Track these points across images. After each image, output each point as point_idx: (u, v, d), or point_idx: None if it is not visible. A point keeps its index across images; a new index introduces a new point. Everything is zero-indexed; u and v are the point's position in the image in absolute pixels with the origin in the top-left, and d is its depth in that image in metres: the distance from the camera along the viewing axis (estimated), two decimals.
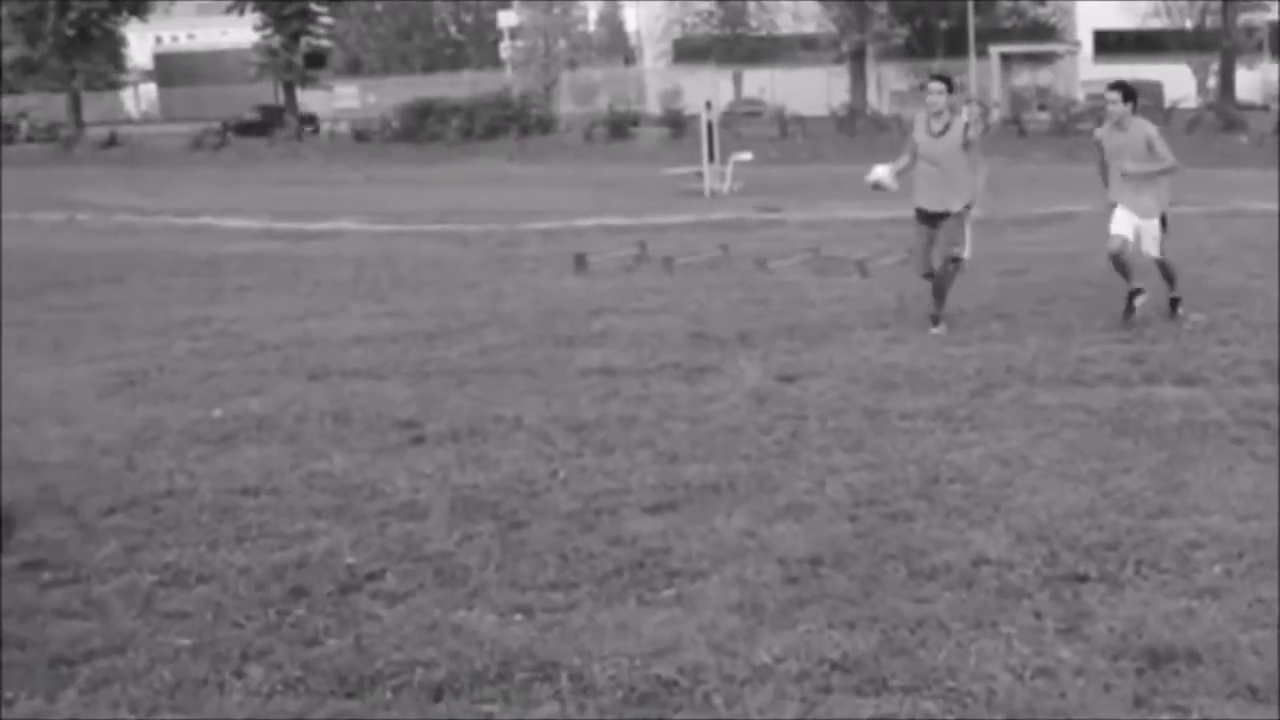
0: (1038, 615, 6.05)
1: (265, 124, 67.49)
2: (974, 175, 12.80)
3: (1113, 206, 12.83)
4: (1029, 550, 6.84)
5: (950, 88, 12.99)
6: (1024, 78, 66.99)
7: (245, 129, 66.87)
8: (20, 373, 12.52)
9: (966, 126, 12.85)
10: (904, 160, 13.06)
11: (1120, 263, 12.71)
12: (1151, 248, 12.77)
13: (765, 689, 5.42)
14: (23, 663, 5.97)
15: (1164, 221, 12.81)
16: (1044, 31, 74.09)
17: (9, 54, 77.82)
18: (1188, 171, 13.74)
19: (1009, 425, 9.34)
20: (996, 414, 9.67)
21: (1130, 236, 12.58)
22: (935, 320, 12.70)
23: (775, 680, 5.48)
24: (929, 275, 12.85)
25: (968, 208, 12.80)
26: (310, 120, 69.31)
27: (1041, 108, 59.54)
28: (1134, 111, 12.80)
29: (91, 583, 6.94)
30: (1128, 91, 12.87)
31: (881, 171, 13.11)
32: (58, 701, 5.61)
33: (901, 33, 70.95)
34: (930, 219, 12.76)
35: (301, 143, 61.51)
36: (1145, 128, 12.82)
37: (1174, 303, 12.97)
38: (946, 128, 12.68)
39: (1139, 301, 12.77)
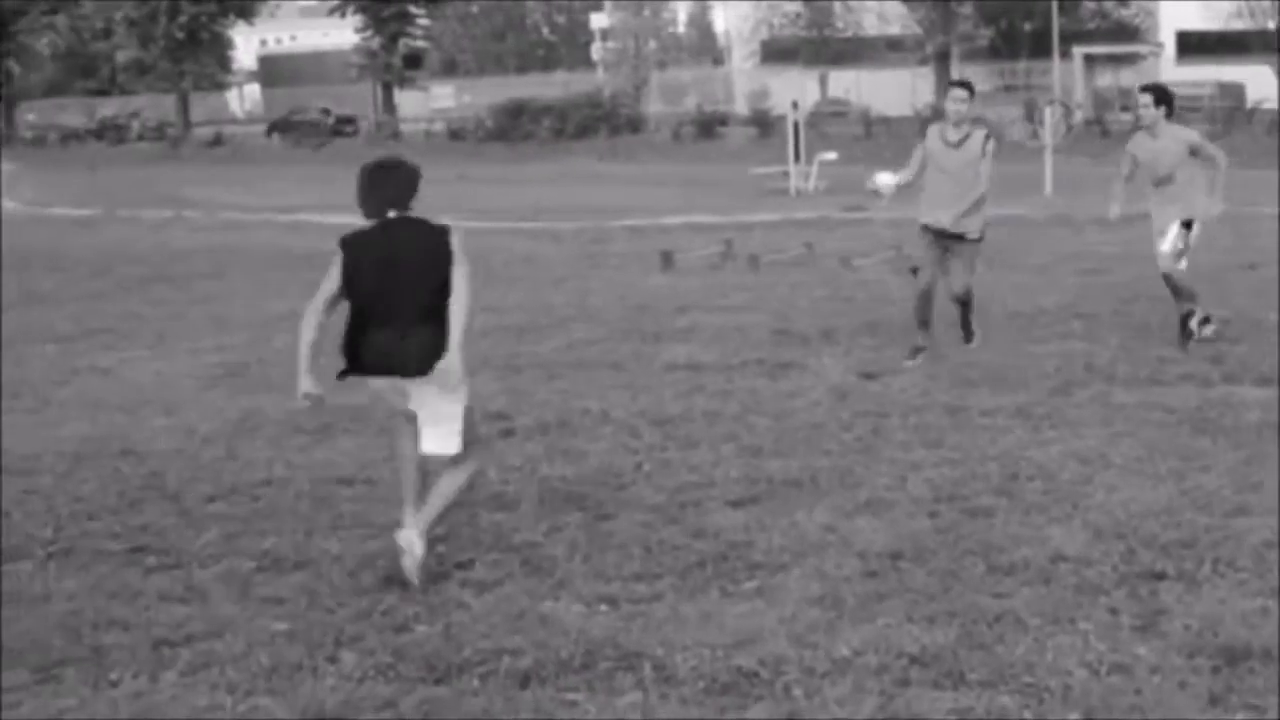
0: (1114, 612, 5.99)
1: (301, 123, 68.32)
2: (980, 193, 11.43)
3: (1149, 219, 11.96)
4: (1106, 548, 6.77)
5: (973, 95, 11.85)
6: (1107, 79, 66.23)
7: (284, 127, 67.84)
8: (127, 364, 12.69)
9: (987, 138, 11.68)
10: (911, 170, 11.81)
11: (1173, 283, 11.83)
12: (1164, 260, 11.84)
13: (844, 681, 5.39)
14: (127, 645, 6.05)
15: (1188, 228, 11.75)
16: (1127, 33, 73.16)
17: (123, 56, 78.88)
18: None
19: (1088, 423, 9.25)
20: (1076, 412, 9.58)
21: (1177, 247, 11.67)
22: (916, 352, 11.41)
23: (854, 673, 5.46)
24: (926, 293, 11.53)
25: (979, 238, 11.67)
26: (350, 121, 69.52)
27: (1124, 109, 58.86)
28: (1169, 117, 11.86)
29: (193, 568, 7.02)
30: (1161, 96, 11.96)
31: (884, 179, 12.02)
32: (159, 682, 5.68)
33: (986, 34, 70.37)
34: (941, 238, 11.54)
35: (324, 144, 61.41)
36: (1182, 133, 12.06)
37: (1184, 320, 11.82)
38: (966, 138, 11.53)
39: (1207, 330, 11.75)
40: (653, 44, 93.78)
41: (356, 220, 6.88)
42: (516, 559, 6.92)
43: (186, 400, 11.02)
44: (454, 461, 6.84)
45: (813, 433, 9.17)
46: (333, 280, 6.81)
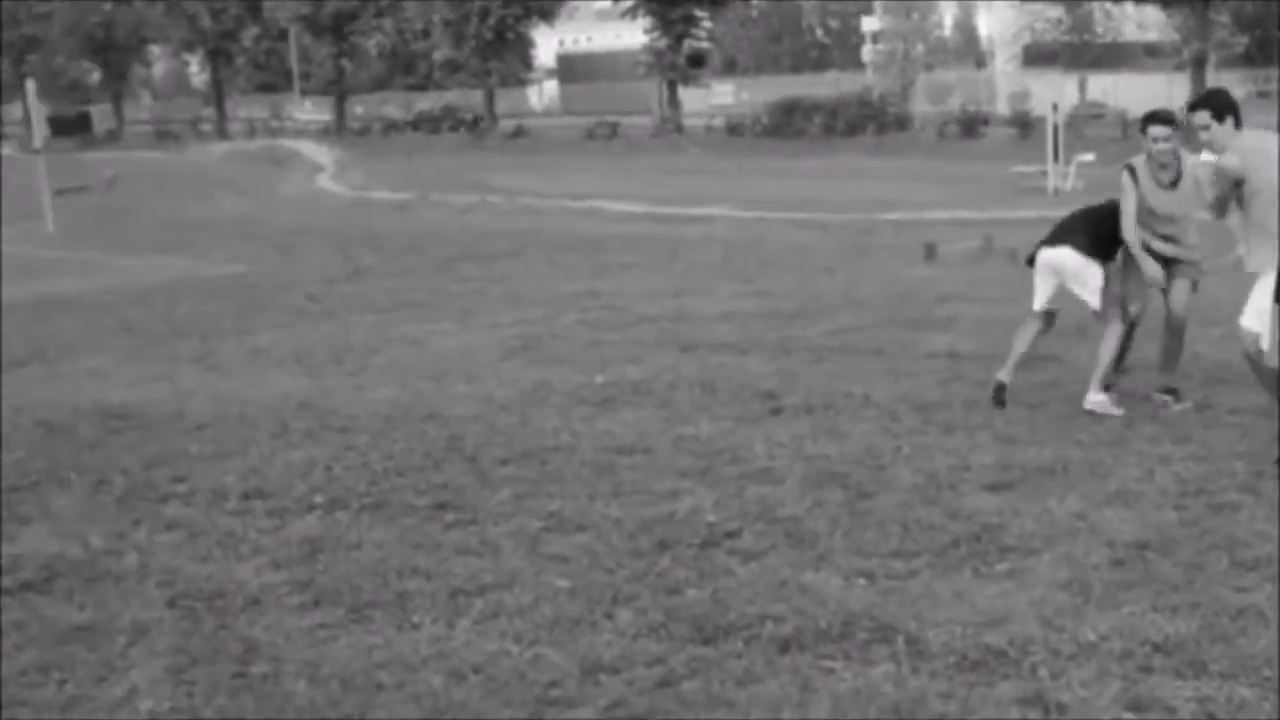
0: None
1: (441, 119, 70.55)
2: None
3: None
4: None
5: (1178, 126, 9.29)
6: None
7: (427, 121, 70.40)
8: (433, 335, 12.98)
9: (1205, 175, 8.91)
10: (1131, 225, 9.18)
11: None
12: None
13: (1089, 665, 5.21)
14: (428, 592, 6.17)
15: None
16: None
17: (439, 55, 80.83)
18: None
19: None
20: None
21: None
22: (1174, 394, 9.35)
23: (1099, 658, 5.27)
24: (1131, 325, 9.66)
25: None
26: (477, 121, 70.29)
27: None
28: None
29: (487, 525, 7.13)
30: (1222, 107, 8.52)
31: (1154, 271, 9.24)
32: (455, 628, 5.77)
33: (1242, 41, 67.57)
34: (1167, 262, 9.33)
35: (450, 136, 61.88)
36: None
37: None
38: (1178, 177, 9.18)
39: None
40: (920, 47, 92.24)
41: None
42: (781, 531, 6.86)
43: (485, 370, 11.22)
44: None
45: (1065, 424, 8.88)
46: None
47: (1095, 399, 9.16)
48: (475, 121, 70.59)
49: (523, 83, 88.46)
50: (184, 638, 5.74)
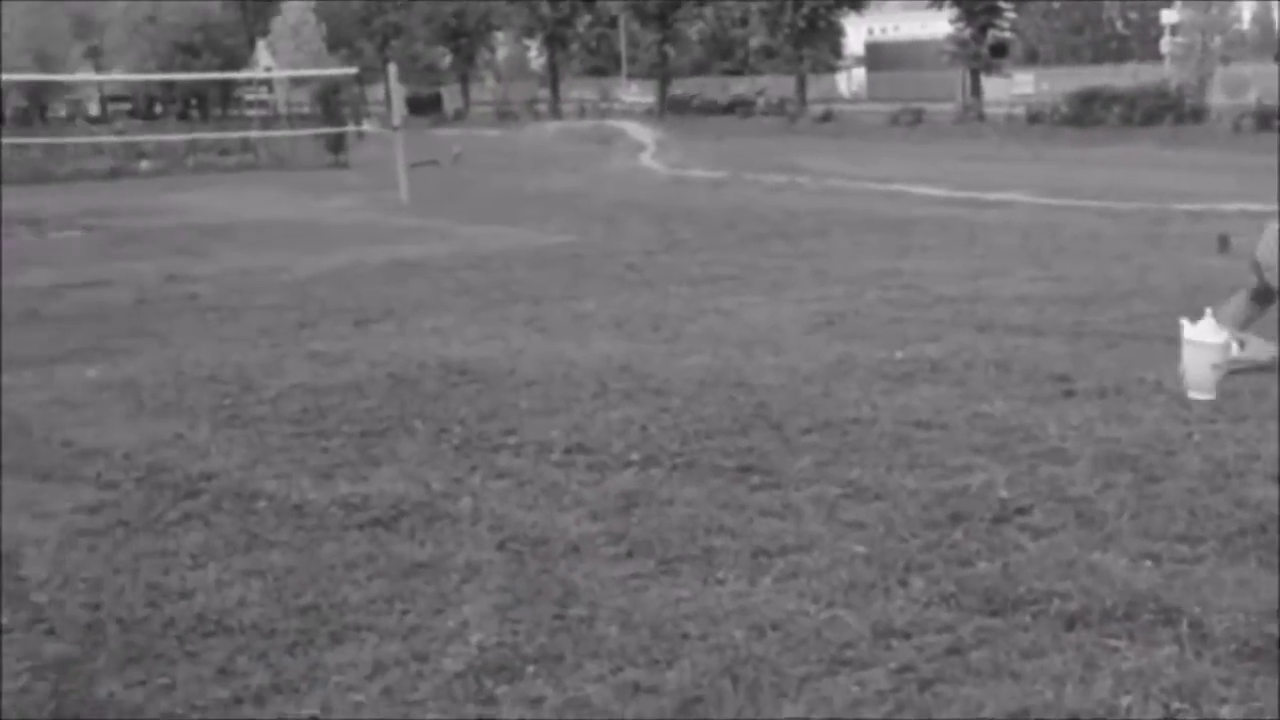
0: None
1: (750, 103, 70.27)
2: None
3: None
4: None
5: None
6: None
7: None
8: (744, 307, 13.01)
9: None
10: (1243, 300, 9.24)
11: None
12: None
13: None
14: (732, 549, 6.19)
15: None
16: None
17: (754, 42, 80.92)
18: None
19: None
20: None
21: None
22: None
23: None
24: None
25: None
26: (782, 105, 69.03)
27: None
28: None
29: (789, 489, 7.11)
30: None
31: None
32: (757, 585, 5.78)
33: None
34: None
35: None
36: None
37: None
38: None
39: None
40: (1218, 39, 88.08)
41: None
42: (1070, 510, 6.65)
43: (791, 342, 11.19)
44: None
45: None
46: None
47: None
48: (780, 105, 70.42)
49: (832, 70, 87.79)
50: (511, 579, 5.90)
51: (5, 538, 6.64)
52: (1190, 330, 9.06)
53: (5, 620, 5.60)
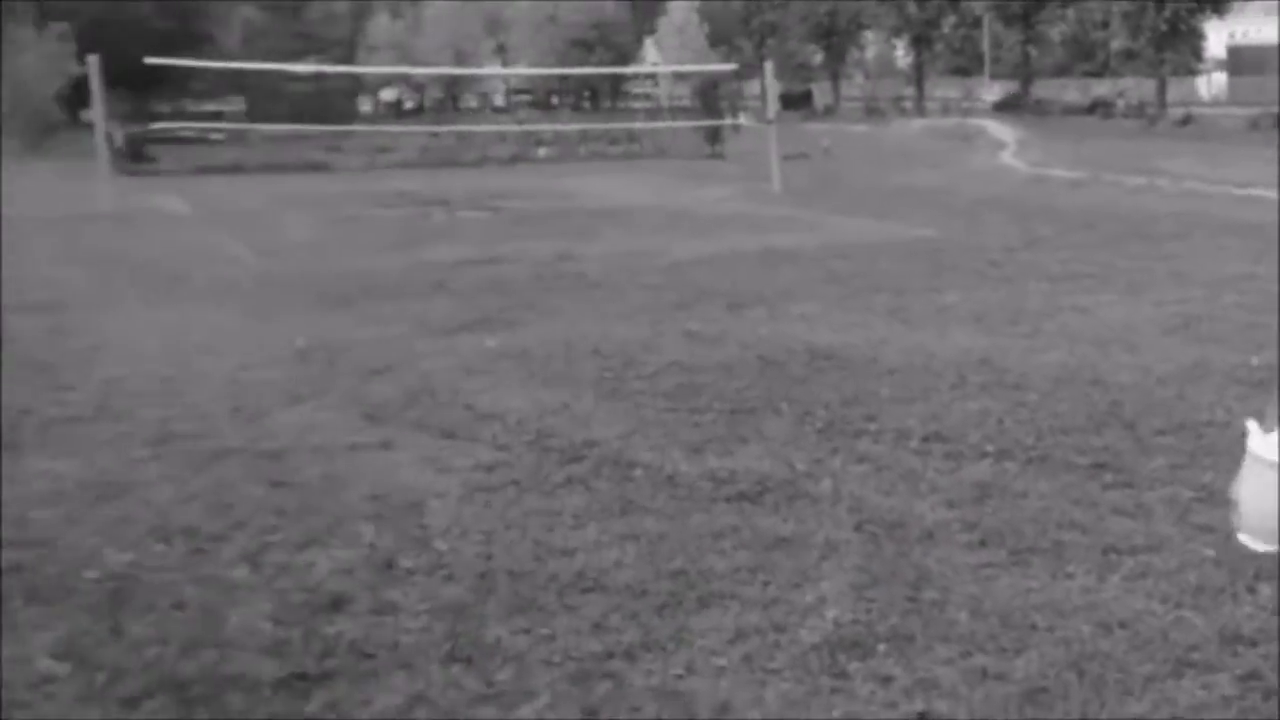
0: None
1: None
2: None
3: None
4: None
5: None
6: None
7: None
8: (1101, 306, 12.51)
9: None
10: None
11: None
12: None
13: None
14: (1083, 545, 5.96)
15: None
16: None
17: (1116, 44, 77.46)
18: None
19: None
20: None
21: None
22: None
23: None
24: None
25: None
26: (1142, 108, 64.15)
27: None
28: None
29: (1141, 489, 6.80)
30: None
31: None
32: (1105, 582, 5.54)
33: None
34: None
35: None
36: None
37: None
38: None
39: None
40: None
41: None
42: None
43: (1146, 343, 10.70)
44: None
45: None
46: None
47: None
48: (1140, 107, 67.16)
49: (1192, 73, 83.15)
50: (867, 559, 5.86)
51: (412, 488, 7.04)
52: (1259, 441, 5.69)
53: (409, 564, 5.91)
